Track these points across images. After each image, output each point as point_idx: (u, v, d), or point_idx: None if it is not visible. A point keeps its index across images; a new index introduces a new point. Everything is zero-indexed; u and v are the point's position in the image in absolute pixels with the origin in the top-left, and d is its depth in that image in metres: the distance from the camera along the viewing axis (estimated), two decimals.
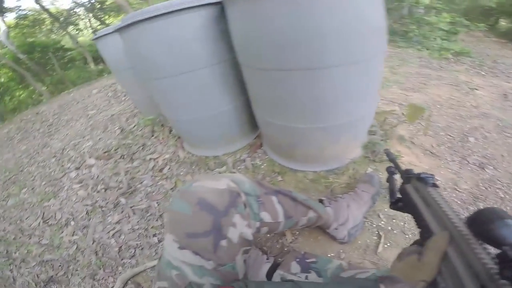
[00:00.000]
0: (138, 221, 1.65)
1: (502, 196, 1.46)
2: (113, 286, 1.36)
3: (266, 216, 0.69)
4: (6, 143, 3.90)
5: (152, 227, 1.56)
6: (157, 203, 1.68)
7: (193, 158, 1.76)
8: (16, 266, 1.68)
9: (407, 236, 1.15)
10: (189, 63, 1.29)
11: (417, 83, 2.73)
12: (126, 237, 1.58)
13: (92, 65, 10.16)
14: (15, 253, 1.78)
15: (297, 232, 1.18)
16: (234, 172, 1.52)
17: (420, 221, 0.56)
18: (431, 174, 0.60)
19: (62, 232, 1.78)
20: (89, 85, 5.65)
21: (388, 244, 1.13)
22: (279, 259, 0.96)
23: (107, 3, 11.77)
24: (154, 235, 1.51)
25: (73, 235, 1.71)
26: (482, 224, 0.40)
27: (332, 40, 0.90)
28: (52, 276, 1.51)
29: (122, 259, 1.48)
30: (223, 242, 0.56)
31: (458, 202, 1.41)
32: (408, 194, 0.63)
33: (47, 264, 1.61)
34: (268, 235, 1.17)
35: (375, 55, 1.06)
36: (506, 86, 3.05)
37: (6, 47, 8.92)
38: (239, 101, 1.51)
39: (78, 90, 5.34)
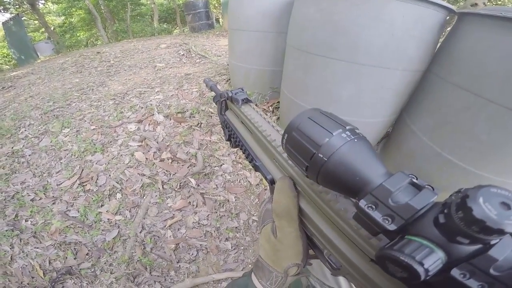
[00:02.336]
0: (208, 215, 1.27)
1: None
2: None
3: None
4: (58, 72, 3.55)
5: (226, 229, 1.22)
6: (235, 197, 1.31)
7: None
8: (21, 240, 1.18)
9: None
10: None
11: None
12: (188, 232, 1.21)
13: (155, 23, 10.08)
14: (26, 221, 1.27)
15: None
16: None
17: (250, 160, 0.44)
18: (241, 88, 0.51)
19: (102, 205, 1.30)
20: (157, 39, 5.32)
21: None
22: None
23: None
24: (227, 239, 1.19)
25: (116, 214, 1.26)
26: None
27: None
28: (71, 267, 1.08)
29: (178, 262, 1.13)
30: None
31: None
32: (228, 123, 0.54)
33: (70, 247, 1.15)
34: None
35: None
36: None
37: None
38: None
39: (140, 42, 5.01)
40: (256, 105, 0.54)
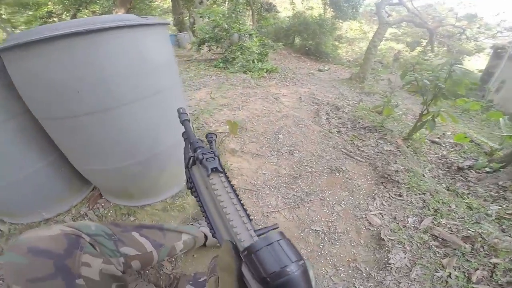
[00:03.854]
0: None
1: (310, 170, 2.01)
2: None
3: (130, 251, 0.73)
4: None
5: None
6: None
7: (20, 227, 1.39)
8: None
9: None
10: None
11: (241, 102, 3.37)
12: None
13: None
14: None
15: (174, 259, 1.20)
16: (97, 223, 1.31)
17: (208, 222, 0.49)
18: (212, 152, 0.53)
19: None
20: None
21: None
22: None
23: None
24: None
25: None
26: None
27: (115, 82, 1.00)
28: None
29: None
30: (80, 281, 0.56)
31: (284, 185, 1.83)
32: (193, 180, 0.55)
33: None
34: (152, 268, 1.12)
35: (165, 89, 1.21)
36: (301, 91, 4.40)
37: None
38: (52, 156, 1.34)
39: None
40: (225, 175, 0.51)
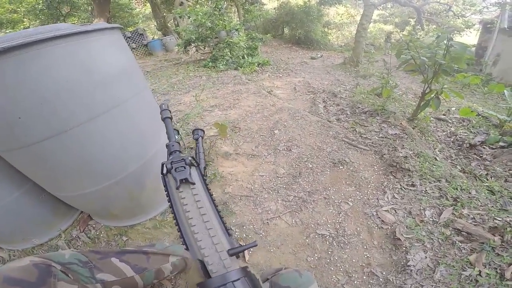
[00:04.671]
0: None
1: (311, 166, 1.84)
2: None
3: (107, 277, 0.71)
4: None
5: None
6: None
7: (18, 254, 1.37)
8: None
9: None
10: None
11: (232, 100, 3.17)
12: None
13: None
14: None
15: (173, 277, 1.13)
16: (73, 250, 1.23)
17: (179, 232, 0.47)
18: (183, 160, 0.50)
19: None
20: None
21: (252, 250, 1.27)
22: None
23: None
24: None
25: None
26: None
27: (60, 100, 0.88)
28: None
29: None
30: None
31: (283, 186, 1.68)
32: (167, 189, 0.53)
33: None
34: None
35: (128, 99, 1.07)
36: (295, 81, 4.23)
37: None
38: (27, 185, 1.26)
39: None
40: (203, 183, 0.49)
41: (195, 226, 0.42)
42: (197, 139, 0.70)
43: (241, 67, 5.07)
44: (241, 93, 3.44)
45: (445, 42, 1.95)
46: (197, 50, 6.32)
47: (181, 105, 3.20)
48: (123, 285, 0.75)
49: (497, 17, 7.22)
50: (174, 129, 0.72)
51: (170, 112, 0.80)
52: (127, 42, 8.39)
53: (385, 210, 1.46)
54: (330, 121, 2.51)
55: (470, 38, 10.57)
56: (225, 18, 5.72)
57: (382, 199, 1.54)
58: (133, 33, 9.15)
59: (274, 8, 10.43)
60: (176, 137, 0.72)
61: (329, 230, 1.37)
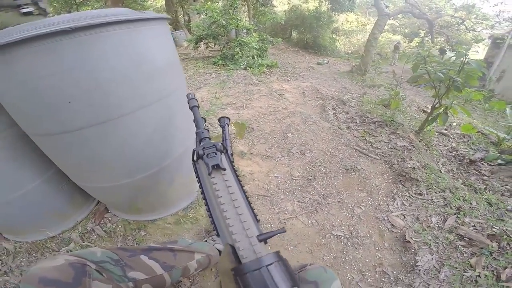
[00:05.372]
0: None
1: (324, 171, 1.94)
2: None
3: (138, 275, 0.72)
4: None
5: None
6: None
7: (26, 246, 1.33)
8: None
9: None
10: None
11: (244, 100, 3.25)
12: None
13: None
14: None
15: (192, 277, 1.13)
16: (87, 245, 1.32)
17: (210, 217, 0.47)
18: (214, 146, 0.50)
19: None
20: None
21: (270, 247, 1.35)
22: None
23: None
24: None
25: None
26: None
27: (113, 88, 0.86)
28: None
29: None
30: None
31: (299, 188, 1.77)
32: (198, 175, 0.53)
33: None
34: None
35: (170, 93, 1.07)
36: (303, 85, 4.27)
37: None
38: (49, 172, 1.22)
39: None
40: (232, 169, 0.49)
41: (227, 212, 0.41)
42: (223, 127, 0.71)
43: (250, 67, 5.14)
44: (252, 93, 3.53)
45: (461, 59, 2.04)
46: (206, 47, 6.36)
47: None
48: (153, 283, 0.75)
49: (508, 32, 7.22)
50: (202, 117, 0.73)
51: (197, 100, 0.81)
52: None
53: (395, 215, 1.57)
54: (341, 128, 2.63)
55: (478, 53, 10.67)
56: (238, 17, 5.79)
57: (392, 205, 1.66)
58: None
59: (284, 11, 10.50)
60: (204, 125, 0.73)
61: (343, 231, 1.48)
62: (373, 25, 6.26)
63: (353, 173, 1.91)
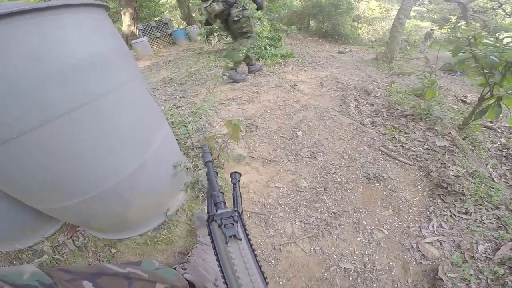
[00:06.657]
0: None
1: (339, 180, 1.56)
2: None
3: None
4: None
5: None
6: None
7: (1, 256, 1.30)
8: None
9: None
10: None
11: (251, 93, 2.89)
12: None
13: None
14: None
15: None
16: (58, 259, 1.24)
17: (223, 277, 0.46)
18: (231, 214, 0.51)
19: None
20: None
21: None
22: None
23: None
24: None
25: None
26: None
27: (12, 95, 0.68)
28: None
29: None
30: None
31: (304, 203, 1.43)
32: (212, 236, 0.52)
33: None
34: None
35: (103, 93, 0.86)
36: (322, 75, 3.83)
37: None
38: None
39: None
40: (247, 238, 0.47)
41: (242, 279, 0.41)
42: (235, 183, 0.65)
43: (262, 58, 4.81)
44: (261, 86, 3.15)
45: None
46: (219, 40, 6.10)
47: (197, 96, 3.00)
48: None
49: None
50: (214, 171, 0.67)
51: (211, 154, 0.74)
52: (152, 32, 8.31)
53: (428, 242, 1.18)
54: (363, 124, 2.18)
55: None
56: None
57: (425, 228, 1.26)
58: (157, 22, 9.15)
59: (300, 0, 10.01)
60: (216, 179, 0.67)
61: (354, 263, 1.12)
62: (397, 10, 5.68)
63: (376, 184, 1.49)
